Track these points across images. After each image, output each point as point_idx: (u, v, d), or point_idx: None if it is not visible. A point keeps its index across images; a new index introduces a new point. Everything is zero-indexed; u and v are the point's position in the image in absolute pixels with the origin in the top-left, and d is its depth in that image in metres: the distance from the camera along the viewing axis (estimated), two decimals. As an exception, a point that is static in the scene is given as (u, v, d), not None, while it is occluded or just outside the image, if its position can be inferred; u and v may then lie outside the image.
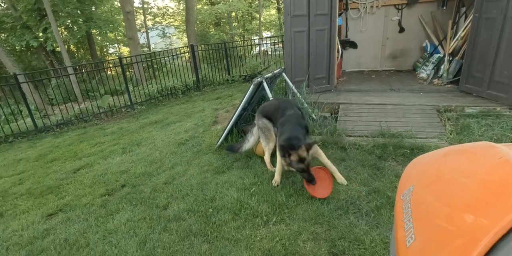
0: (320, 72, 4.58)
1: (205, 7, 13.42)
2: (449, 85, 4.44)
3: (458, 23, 5.16)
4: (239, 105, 3.32)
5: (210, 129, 4.55)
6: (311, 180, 2.30)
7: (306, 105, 3.94)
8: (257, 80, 3.15)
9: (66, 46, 10.88)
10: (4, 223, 2.73)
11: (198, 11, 13.30)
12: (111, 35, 12.02)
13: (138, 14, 13.77)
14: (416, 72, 5.66)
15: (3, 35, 11.37)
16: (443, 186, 0.84)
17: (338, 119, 3.77)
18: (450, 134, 3.06)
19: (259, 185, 2.66)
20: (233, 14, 11.79)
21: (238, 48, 9.75)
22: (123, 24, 10.77)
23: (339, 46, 5.29)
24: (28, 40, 10.22)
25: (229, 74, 9.21)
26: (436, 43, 5.62)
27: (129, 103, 7.63)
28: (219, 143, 3.59)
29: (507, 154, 0.77)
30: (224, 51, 9.04)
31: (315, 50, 4.41)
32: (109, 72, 9.85)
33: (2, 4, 11.87)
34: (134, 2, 9.94)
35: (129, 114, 7.38)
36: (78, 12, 10.14)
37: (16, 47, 11.85)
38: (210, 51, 9.27)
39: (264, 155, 3.00)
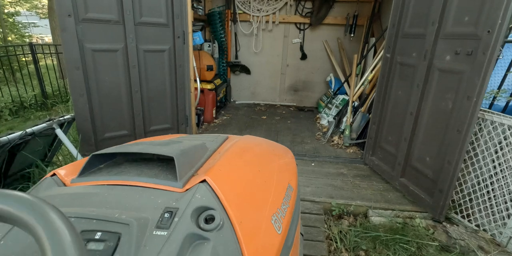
0: (160, 121, 2.71)
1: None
2: (351, 150, 3.07)
3: (367, 58, 3.97)
4: None
5: None
6: None
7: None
8: None
9: None
10: None
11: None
12: None
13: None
14: (317, 115, 4.31)
15: None
16: None
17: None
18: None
19: None
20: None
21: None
22: None
23: (197, 80, 3.57)
24: None
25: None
26: (342, 78, 4.38)
27: None
28: None
29: None
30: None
31: (146, 85, 2.52)
32: None
33: None
34: None
35: None
36: None
37: None
38: None
39: None
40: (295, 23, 4.56)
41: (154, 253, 0.50)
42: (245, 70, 4.86)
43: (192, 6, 3.68)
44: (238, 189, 0.71)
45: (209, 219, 0.58)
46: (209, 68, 3.71)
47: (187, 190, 0.64)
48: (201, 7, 3.91)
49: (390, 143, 2.45)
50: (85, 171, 0.73)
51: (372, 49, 3.87)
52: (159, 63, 2.54)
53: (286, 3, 4.38)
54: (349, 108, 3.24)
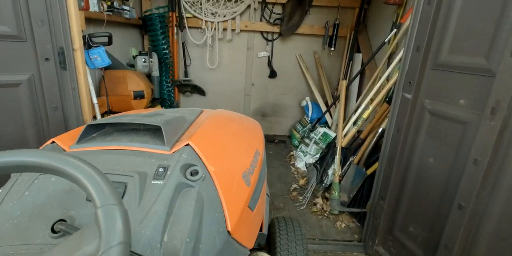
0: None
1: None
2: (343, 222, 2.10)
3: (352, 84, 3.06)
4: None
5: None
6: None
7: None
8: None
9: None
10: None
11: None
12: None
13: None
14: (291, 153, 3.33)
15: None
16: None
17: None
18: None
19: None
20: None
21: None
22: None
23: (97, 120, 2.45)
24: None
25: None
26: (321, 102, 3.47)
27: None
28: None
29: None
30: None
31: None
32: None
33: None
34: None
35: None
36: None
37: None
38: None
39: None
40: (261, 32, 3.57)
41: (154, 197, 0.64)
42: (199, 90, 3.77)
43: (111, 6, 2.53)
44: (215, 152, 0.85)
45: (194, 173, 0.72)
46: (138, 95, 2.57)
47: (174, 152, 0.77)
48: (127, 8, 2.76)
49: (412, 237, 1.50)
50: (82, 139, 0.82)
51: (362, 66, 2.98)
52: (7, 107, 1.39)
53: (249, 6, 3.37)
54: (337, 158, 2.27)
